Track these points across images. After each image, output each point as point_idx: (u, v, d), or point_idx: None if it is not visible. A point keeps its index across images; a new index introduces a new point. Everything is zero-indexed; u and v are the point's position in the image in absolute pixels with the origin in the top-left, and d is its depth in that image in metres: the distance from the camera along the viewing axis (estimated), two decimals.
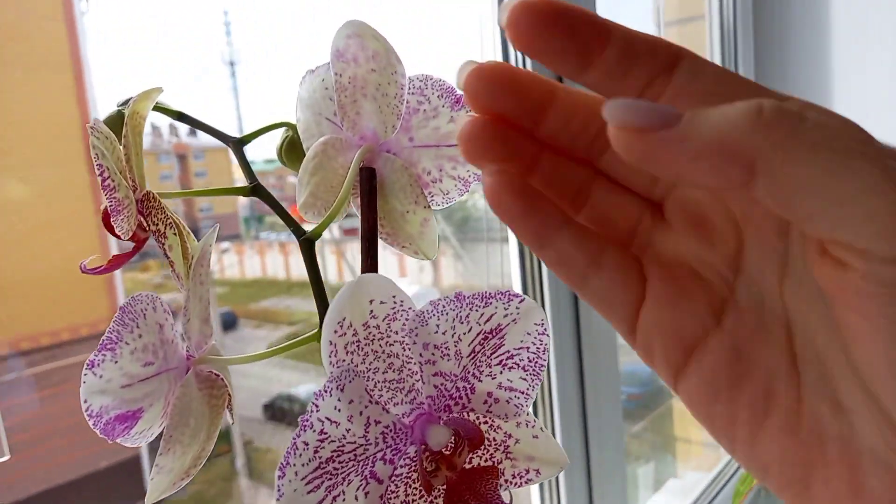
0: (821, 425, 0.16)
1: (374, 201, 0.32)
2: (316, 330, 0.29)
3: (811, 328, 0.16)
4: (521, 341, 0.25)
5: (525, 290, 0.83)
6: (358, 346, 0.24)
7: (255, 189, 0.32)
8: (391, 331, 0.25)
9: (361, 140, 0.33)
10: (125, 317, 0.29)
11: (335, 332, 0.24)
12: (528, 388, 0.25)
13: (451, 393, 0.25)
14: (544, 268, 0.82)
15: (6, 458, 0.48)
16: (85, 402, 0.28)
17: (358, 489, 0.24)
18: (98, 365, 0.28)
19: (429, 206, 0.33)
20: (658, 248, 0.19)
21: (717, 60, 1.26)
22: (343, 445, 0.24)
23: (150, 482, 0.29)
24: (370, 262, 0.30)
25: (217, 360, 0.30)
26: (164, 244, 0.30)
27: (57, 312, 0.99)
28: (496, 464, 0.26)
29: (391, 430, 0.24)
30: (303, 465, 0.23)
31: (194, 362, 0.30)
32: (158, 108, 0.32)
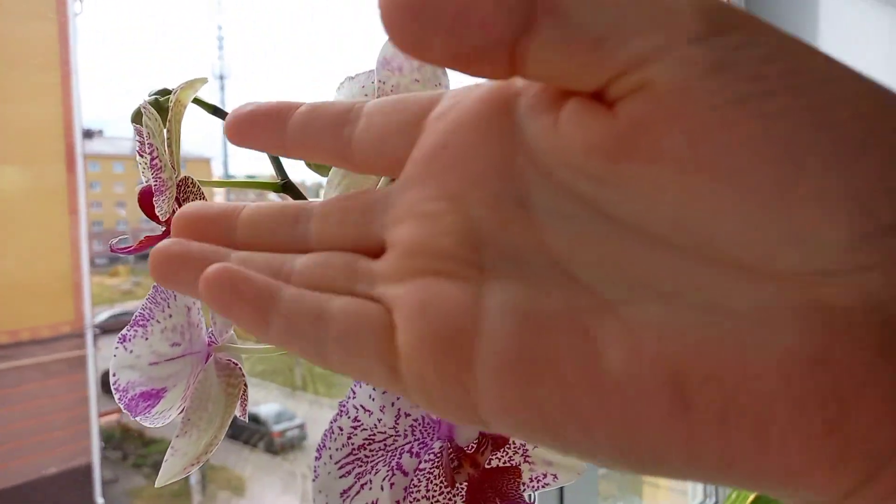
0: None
1: None
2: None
3: (598, 243, 0.15)
4: None
5: None
6: None
7: (285, 185, 0.33)
8: None
9: None
10: (158, 295, 0.29)
11: None
12: None
13: None
14: None
15: None
16: (114, 375, 0.28)
17: (384, 479, 0.24)
18: (130, 340, 0.28)
19: None
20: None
21: None
22: (374, 434, 0.24)
23: (165, 463, 0.29)
24: None
25: (236, 348, 0.31)
26: None
27: (19, 312, 0.97)
28: (515, 465, 0.26)
29: (419, 424, 0.25)
30: (337, 449, 0.23)
31: (214, 349, 0.31)
32: (196, 101, 0.32)
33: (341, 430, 0.24)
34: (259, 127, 0.19)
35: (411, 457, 0.25)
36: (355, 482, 0.24)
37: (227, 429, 0.31)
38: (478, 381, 0.15)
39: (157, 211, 0.30)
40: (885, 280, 0.13)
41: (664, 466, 0.14)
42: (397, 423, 0.25)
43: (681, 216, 0.14)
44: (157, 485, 0.29)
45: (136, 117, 0.32)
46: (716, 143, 0.13)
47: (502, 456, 0.27)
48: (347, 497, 0.24)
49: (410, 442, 0.25)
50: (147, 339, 0.29)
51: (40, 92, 0.88)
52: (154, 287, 0.29)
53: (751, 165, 0.13)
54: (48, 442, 1.10)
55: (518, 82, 0.16)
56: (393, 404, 0.24)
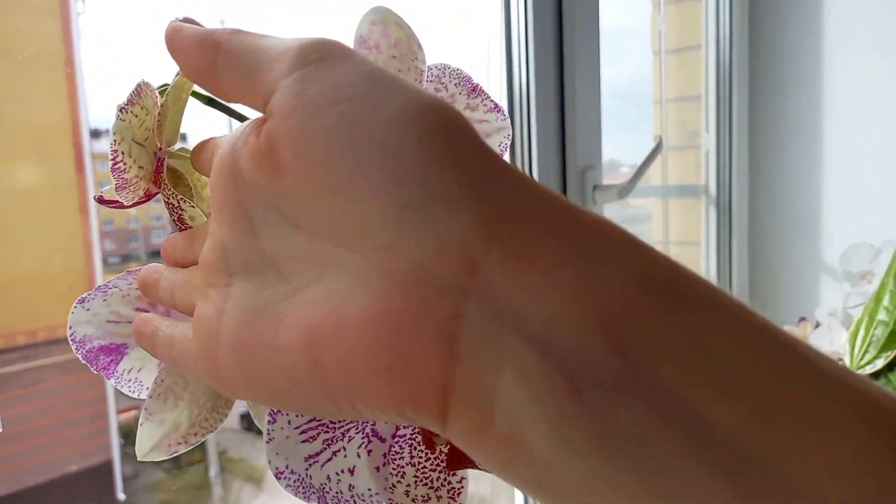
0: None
1: None
2: None
3: (286, 246, 0.20)
4: None
5: None
6: None
7: None
8: None
9: None
10: (127, 274, 0.30)
11: None
12: None
13: None
14: None
15: None
16: (70, 328, 0.28)
17: (360, 447, 0.24)
18: (87, 301, 0.29)
19: None
20: None
21: (713, 88, 1.28)
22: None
23: (139, 429, 0.29)
24: None
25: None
26: (182, 214, 0.30)
27: (35, 312, 0.98)
28: None
29: None
30: (297, 415, 0.23)
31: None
32: (194, 93, 0.32)
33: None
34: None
35: (386, 423, 0.24)
36: (324, 448, 0.23)
37: (224, 413, 0.30)
38: (219, 365, 0.20)
39: (124, 202, 0.30)
40: (416, 245, 0.17)
41: (324, 410, 0.19)
42: None
43: (316, 212, 0.18)
44: (138, 458, 0.29)
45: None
46: (306, 151, 0.18)
47: None
48: (316, 463, 0.23)
49: None
50: (105, 300, 0.29)
51: (47, 90, 0.88)
52: (127, 272, 0.30)
53: (330, 170, 0.17)
54: (68, 439, 1.11)
55: (242, 127, 0.21)
56: None
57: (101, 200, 0.30)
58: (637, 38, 1.27)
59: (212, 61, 0.21)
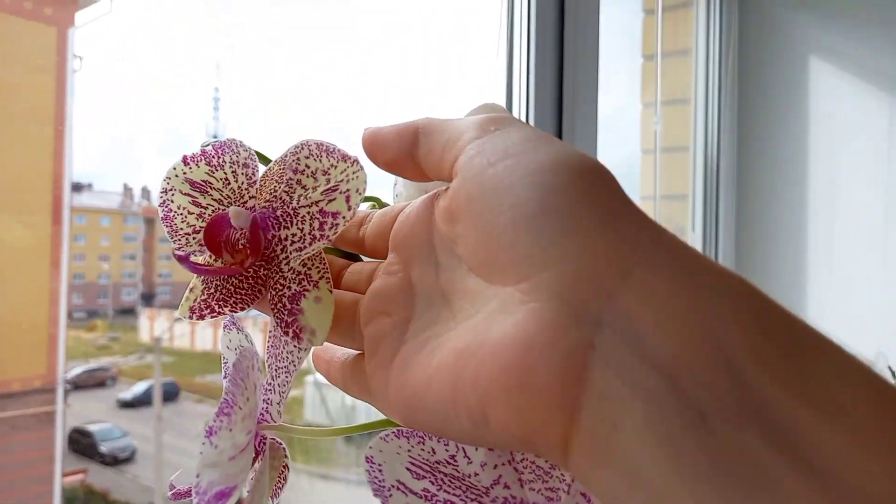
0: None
1: None
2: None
3: (458, 284, 0.23)
4: None
5: None
6: None
7: (350, 256, 0.32)
8: None
9: None
10: (237, 375, 0.26)
11: None
12: None
13: None
14: None
15: None
16: (197, 476, 0.25)
17: None
18: (215, 433, 0.25)
19: None
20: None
21: (700, 142, 1.32)
22: (463, 479, 0.23)
23: None
24: None
25: (291, 428, 0.28)
26: (304, 290, 0.27)
27: None
28: None
29: (512, 502, 0.24)
30: (419, 454, 0.23)
31: (263, 428, 0.28)
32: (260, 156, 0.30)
33: (433, 451, 0.23)
34: None
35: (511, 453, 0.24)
36: (424, 496, 0.23)
37: None
38: (388, 387, 0.23)
39: (283, 256, 0.28)
40: (555, 276, 0.18)
41: (467, 435, 0.20)
42: (491, 488, 0.24)
43: (478, 254, 0.21)
44: None
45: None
46: (476, 198, 0.21)
47: None
48: (402, 491, 0.23)
49: None
50: (231, 430, 0.25)
51: (33, 144, 0.88)
52: (234, 367, 0.26)
53: (490, 212, 0.20)
54: (9, 501, 1.05)
55: (438, 191, 0.25)
56: (496, 467, 0.24)
57: (177, 256, 0.28)
58: (630, 134, 1.32)
59: (412, 143, 0.25)
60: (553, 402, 0.17)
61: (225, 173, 0.28)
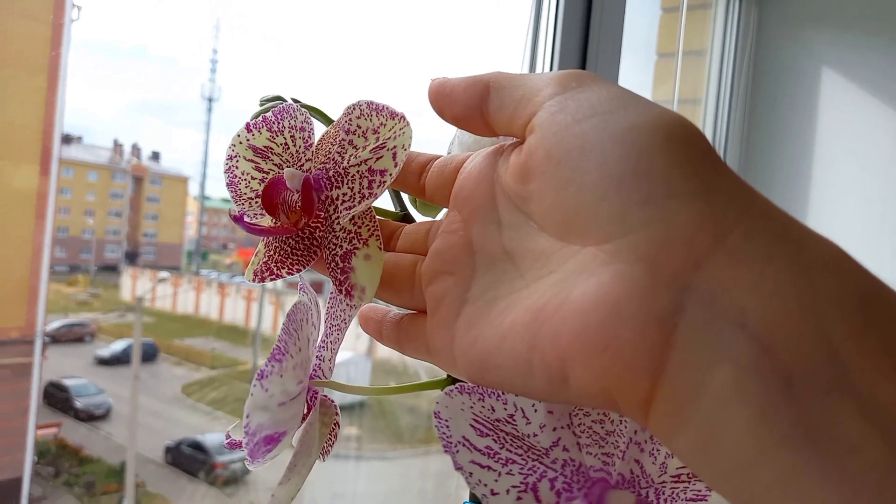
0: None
1: None
2: (446, 376, 0.29)
3: (526, 243, 0.22)
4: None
5: None
6: None
7: (404, 217, 0.32)
8: None
9: None
10: (291, 325, 0.27)
11: None
12: None
13: (639, 491, 0.24)
14: None
15: None
16: (247, 416, 0.26)
17: (512, 487, 0.24)
18: (267, 377, 0.26)
19: None
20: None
21: (710, 137, 1.32)
22: (523, 438, 0.23)
23: None
24: None
25: (338, 385, 0.29)
26: (354, 248, 0.28)
27: None
28: None
29: (574, 466, 0.24)
30: (481, 411, 0.23)
31: (315, 384, 0.29)
32: (307, 106, 0.31)
33: (493, 409, 0.24)
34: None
35: (551, 490, 0.24)
36: (485, 451, 0.23)
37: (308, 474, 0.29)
38: (454, 341, 0.23)
39: (340, 215, 0.28)
40: (645, 239, 0.18)
41: (541, 391, 0.20)
42: (551, 449, 0.24)
43: (554, 212, 0.21)
44: None
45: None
46: (557, 156, 0.21)
47: None
48: (466, 448, 0.24)
49: (556, 474, 0.24)
50: (282, 376, 0.26)
51: (24, 93, 0.87)
52: (288, 316, 0.27)
53: (574, 171, 0.20)
54: None
55: (504, 145, 0.25)
56: (555, 430, 0.24)
57: (233, 217, 0.29)
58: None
59: (481, 97, 0.24)
60: (638, 363, 0.17)
61: (284, 138, 0.29)
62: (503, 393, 0.24)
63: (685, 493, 0.25)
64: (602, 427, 0.25)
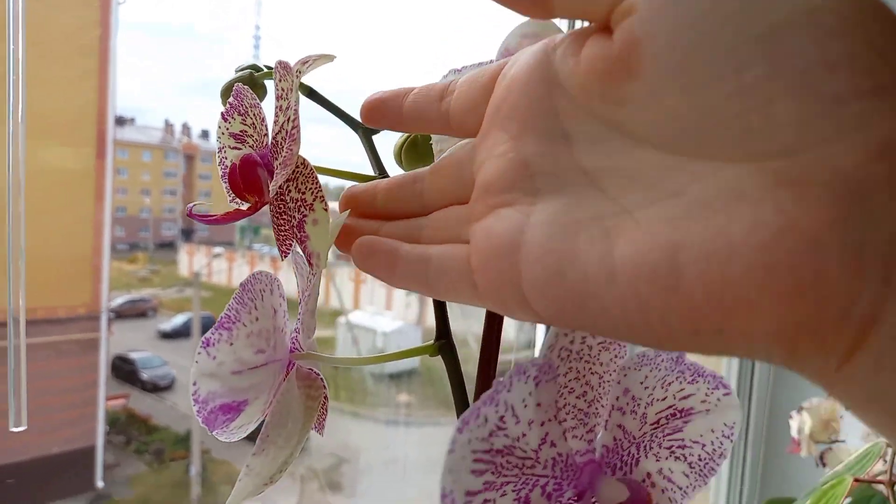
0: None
1: None
2: (431, 342, 0.28)
3: (614, 160, 0.18)
4: (702, 436, 0.23)
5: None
6: (569, 356, 0.23)
7: (382, 178, 0.32)
8: (598, 360, 0.24)
9: None
10: (245, 295, 0.26)
11: (564, 332, 0.23)
12: (687, 486, 0.24)
13: (623, 455, 0.24)
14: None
15: (23, 428, 0.47)
16: (194, 384, 0.25)
17: None
18: (213, 344, 0.26)
19: None
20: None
21: None
22: (514, 448, 0.22)
23: (238, 483, 0.27)
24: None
25: (320, 357, 0.28)
26: (304, 216, 0.28)
27: (37, 291, 0.99)
28: None
29: (562, 461, 0.23)
30: (479, 439, 0.21)
31: (296, 356, 0.28)
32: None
33: (486, 420, 0.21)
34: (384, 109, 0.25)
35: (542, 495, 0.23)
36: (482, 490, 0.21)
37: (302, 446, 0.29)
38: (522, 279, 0.19)
39: (270, 185, 0.28)
40: (844, 149, 0.14)
41: (672, 339, 0.16)
42: (539, 449, 0.22)
43: (673, 120, 0.16)
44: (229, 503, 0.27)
45: (244, 82, 0.30)
46: (683, 46, 0.16)
47: None
48: (470, 501, 0.21)
49: (547, 477, 0.23)
50: (232, 343, 0.26)
51: (78, 77, 0.89)
52: (241, 286, 0.27)
53: (706, 63, 0.16)
54: (55, 422, 1.11)
55: (555, 39, 0.20)
56: (543, 424, 0.22)
57: (191, 214, 0.28)
58: None
59: None
60: (844, 308, 0.14)
61: (251, 118, 0.29)
62: (497, 395, 0.21)
63: (663, 434, 0.24)
64: (584, 399, 0.24)
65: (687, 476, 0.24)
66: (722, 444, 0.23)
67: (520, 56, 0.21)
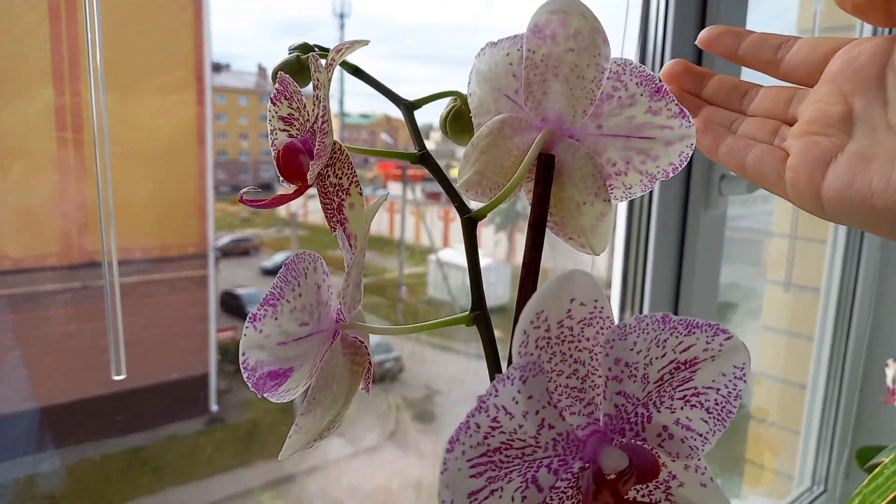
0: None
1: (548, 191, 0.31)
2: (468, 312, 0.28)
3: None
4: (714, 381, 0.23)
5: (624, 282, 0.83)
6: (548, 343, 0.24)
7: (422, 157, 0.31)
8: (583, 336, 0.24)
9: (543, 122, 0.31)
10: (288, 274, 0.28)
11: (531, 322, 0.23)
12: (707, 432, 0.24)
13: (629, 417, 0.24)
14: (649, 261, 0.81)
15: (123, 377, 0.52)
16: (243, 354, 0.28)
17: (517, 490, 0.23)
18: (259, 320, 0.28)
19: (609, 200, 0.31)
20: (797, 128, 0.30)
21: None
22: (512, 440, 0.22)
23: (288, 439, 0.29)
24: (534, 253, 0.30)
25: (363, 326, 0.30)
26: (342, 200, 0.29)
27: (151, 232, 1.06)
28: (654, 503, 0.25)
29: (563, 439, 0.23)
30: (472, 447, 0.22)
31: (341, 326, 0.30)
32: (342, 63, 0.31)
33: (478, 427, 0.22)
34: (727, 37, 0.32)
35: (549, 472, 0.23)
36: (486, 485, 0.22)
37: (349, 405, 0.30)
38: (824, 180, 0.27)
39: (308, 174, 0.29)
40: None
41: None
42: (539, 434, 0.23)
43: None
44: (280, 458, 0.29)
45: (290, 67, 0.31)
46: None
47: (643, 489, 0.25)
48: (475, 500, 0.22)
49: (550, 457, 0.23)
50: (276, 318, 0.28)
51: (175, 26, 0.93)
52: (285, 265, 0.28)
53: None
54: (172, 351, 1.20)
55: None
56: (538, 413, 0.22)
57: (243, 200, 0.30)
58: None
59: None
60: None
61: (297, 102, 0.30)
62: (484, 403, 0.22)
63: (672, 387, 0.24)
64: (577, 377, 0.24)
65: (706, 422, 0.24)
66: (736, 385, 0.24)
67: (865, 42, 0.28)
